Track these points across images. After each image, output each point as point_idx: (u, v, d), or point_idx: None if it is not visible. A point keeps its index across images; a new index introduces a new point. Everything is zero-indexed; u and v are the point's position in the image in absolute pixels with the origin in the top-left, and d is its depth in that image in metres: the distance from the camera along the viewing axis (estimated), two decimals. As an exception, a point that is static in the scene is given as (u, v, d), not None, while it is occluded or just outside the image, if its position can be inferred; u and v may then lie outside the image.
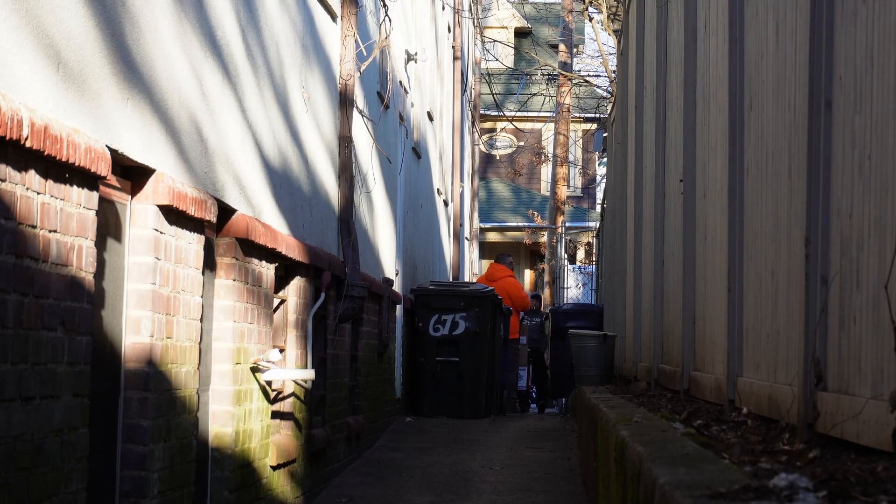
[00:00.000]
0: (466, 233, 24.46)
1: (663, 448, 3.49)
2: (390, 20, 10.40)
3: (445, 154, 19.22)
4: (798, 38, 4.27)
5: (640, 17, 10.70)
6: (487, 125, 36.45)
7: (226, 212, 6.07)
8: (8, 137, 3.52)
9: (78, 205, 4.13)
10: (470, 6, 23.46)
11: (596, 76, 30.95)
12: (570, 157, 32.30)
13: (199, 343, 5.57)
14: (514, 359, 18.27)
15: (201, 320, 5.59)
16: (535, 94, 32.19)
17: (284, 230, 7.19)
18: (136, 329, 4.92)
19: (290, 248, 7.05)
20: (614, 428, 4.71)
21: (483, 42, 28.15)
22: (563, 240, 28.90)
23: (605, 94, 27.67)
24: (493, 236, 34.81)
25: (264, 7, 6.82)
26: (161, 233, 5.02)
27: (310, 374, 7.15)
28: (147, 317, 4.92)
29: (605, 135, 18.91)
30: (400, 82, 12.64)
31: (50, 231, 3.92)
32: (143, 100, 4.85)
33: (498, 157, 37.40)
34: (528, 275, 36.15)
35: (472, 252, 26.78)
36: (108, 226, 4.76)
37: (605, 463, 5.34)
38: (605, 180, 23.75)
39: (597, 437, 6.36)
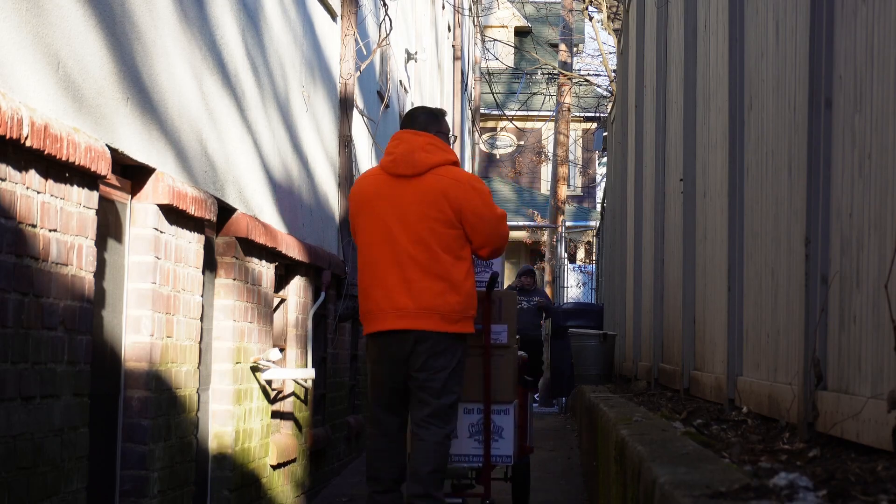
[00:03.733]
0: (467, 232, 24.39)
1: (663, 447, 3.49)
2: (390, 19, 10.39)
3: (446, 153, 19.17)
4: (798, 37, 4.27)
5: (640, 16, 10.70)
6: (489, 124, 36.45)
7: (226, 211, 6.07)
8: (8, 137, 3.52)
9: (78, 204, 4.13)
10: (470, 6, 23.45)
11: (596, 75, 30.94)
12: (571, 157, 32.28)
13: (200, 342, 5.57)
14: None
15: (201, 319, 5.58)
16: (535, 94, 32.20)
17: (284, 229, 7.18)
18: (136, 328, 4.92)
19: (290, 247, 7.04)
20: (614, 427, 4.71)
21: (483, 41, 28.14)
22: (564, 239, 28.88)
23: (605, 93, 27.67)
24: (493, 236, 34.67)
25: (264, 7, 6.82)
26: (161, 232, 5.02)
27: (310, 373, 7.14)
28: (147, 316, 4.92)
29: (605, 134, 18.90)
30: (400, 81, 12.63)
31: (50, 230, 3.92)
32: (143, 99, 4.85)
33: (498, 157, 37.39)
34: (529, 274, 36.04)
35: (472, 251, 26.70)
36: (109, 225, 4.76)
37: (605, 462, 5.34)
38: (605, 180, 23.75)
39: (597, 436, 6.36)
